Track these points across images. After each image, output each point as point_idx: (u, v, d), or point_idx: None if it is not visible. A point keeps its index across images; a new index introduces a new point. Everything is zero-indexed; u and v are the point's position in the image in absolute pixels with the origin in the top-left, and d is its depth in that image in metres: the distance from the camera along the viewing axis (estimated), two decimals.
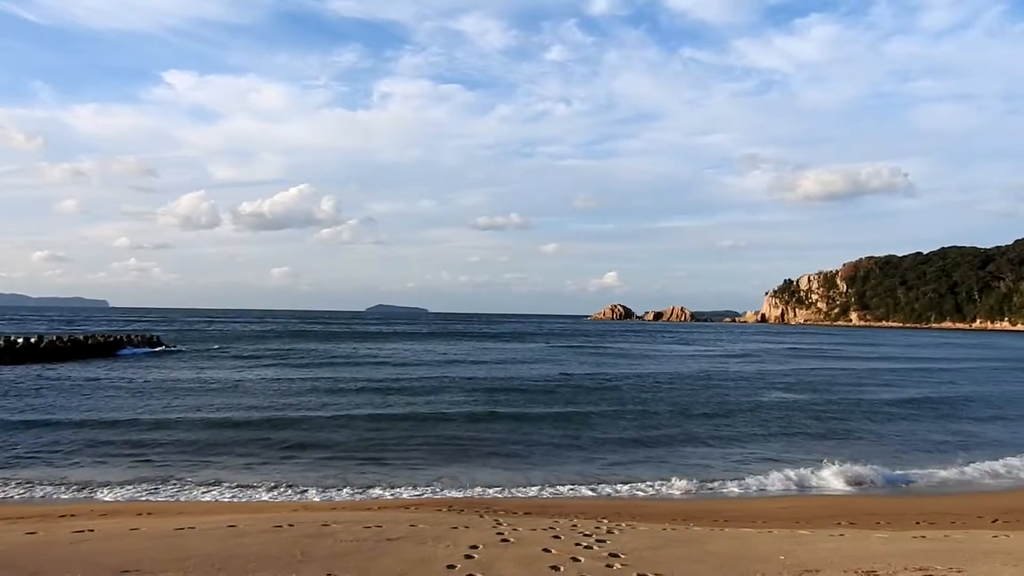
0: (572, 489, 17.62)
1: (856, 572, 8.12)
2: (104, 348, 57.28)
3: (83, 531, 10.38)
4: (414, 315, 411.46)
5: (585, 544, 10.13)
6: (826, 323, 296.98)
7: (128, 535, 10.28)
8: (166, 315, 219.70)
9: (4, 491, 16.25)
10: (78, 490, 16.44)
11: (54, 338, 55.74)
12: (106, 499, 15.48)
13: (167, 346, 66.17)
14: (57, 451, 20.48)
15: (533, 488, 17.48)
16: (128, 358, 53.74)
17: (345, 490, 16.89)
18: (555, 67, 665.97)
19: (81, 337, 59.48)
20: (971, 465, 20.38)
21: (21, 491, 16.28)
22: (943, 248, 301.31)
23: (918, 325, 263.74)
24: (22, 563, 7.78)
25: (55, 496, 15.84)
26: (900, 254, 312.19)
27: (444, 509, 14.17)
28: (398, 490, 17.03)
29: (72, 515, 13.11)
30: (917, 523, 13.98)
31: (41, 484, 16.84)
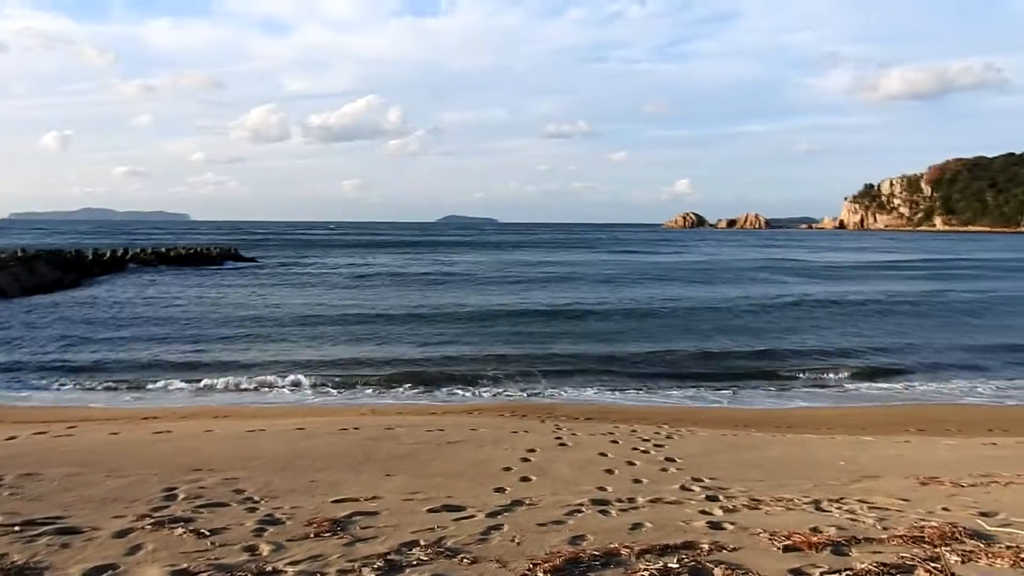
0: (641, 391, 17.79)
1: (917, 478, 7.97)
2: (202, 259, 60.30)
3: (162, 432, 10.93)
4: (484, 225, 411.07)
5: (642, 448, 10.21)
6: (908, 228, 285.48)
7: (203, 436, 10.81)
8: (245, 227, 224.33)
9: (95, 397, 17.23)
10: (160, 393, 17.38)
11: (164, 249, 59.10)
12: (185, 404, 16.26)
13: (249, 259, 67.78)
14: (141, 360, 21.49)
15: (595, 394, 17.61)
16: (225, 270, 56.21)
17: (410, 396, 17.34)
18: None
19: (182, 250, 62.06)
20: None
21: (111, 395, 17.26)
22: None
23: (1007, 229, 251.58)
24: (102, 460, 8.25)
25: (139, 401, 16.70)
26: (991, 155, 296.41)
27: (507, 414, 14.44)
28: (464, 395, 17.44)
29: (155, 417, 13.81)
30: (989, 430, 13.64)
31: (129, 389, 17.83)
